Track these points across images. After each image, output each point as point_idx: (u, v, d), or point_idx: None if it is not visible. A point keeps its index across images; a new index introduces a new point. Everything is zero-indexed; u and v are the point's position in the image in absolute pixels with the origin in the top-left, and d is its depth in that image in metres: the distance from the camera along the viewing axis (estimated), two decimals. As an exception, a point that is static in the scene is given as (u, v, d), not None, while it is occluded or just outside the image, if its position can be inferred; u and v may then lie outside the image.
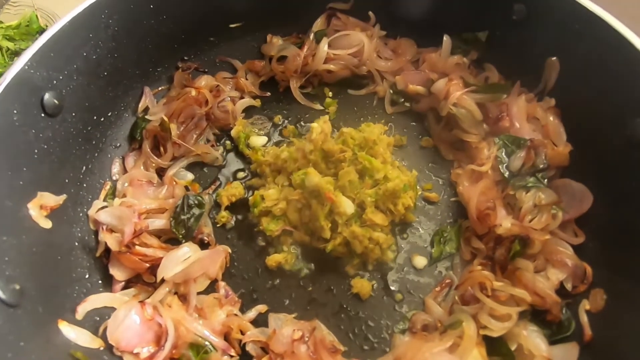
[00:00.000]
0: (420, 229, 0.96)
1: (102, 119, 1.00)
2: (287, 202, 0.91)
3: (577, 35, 0.86)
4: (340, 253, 0.89)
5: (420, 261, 0.91)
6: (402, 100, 1.16)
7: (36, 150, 0.80)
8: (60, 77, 0.85)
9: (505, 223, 0.80)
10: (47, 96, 0.81)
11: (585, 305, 0.74)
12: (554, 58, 0.94)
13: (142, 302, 0.81)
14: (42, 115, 0.81)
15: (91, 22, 0.89)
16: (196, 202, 0.96)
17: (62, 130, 0.86)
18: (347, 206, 0.87)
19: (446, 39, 1.12)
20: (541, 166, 0.89)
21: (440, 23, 1.13)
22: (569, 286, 0.78)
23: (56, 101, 0.83)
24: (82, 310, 0.75)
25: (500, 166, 0.93)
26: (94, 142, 0.98)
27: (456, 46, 1.13)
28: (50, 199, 0.81)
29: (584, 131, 0.88)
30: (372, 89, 1.21)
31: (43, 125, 0.82)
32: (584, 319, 0.73)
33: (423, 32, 1.18)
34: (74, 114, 0.89)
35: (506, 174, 0.92)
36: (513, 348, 0.73)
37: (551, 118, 0.94)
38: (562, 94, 0.95)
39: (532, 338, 0.72)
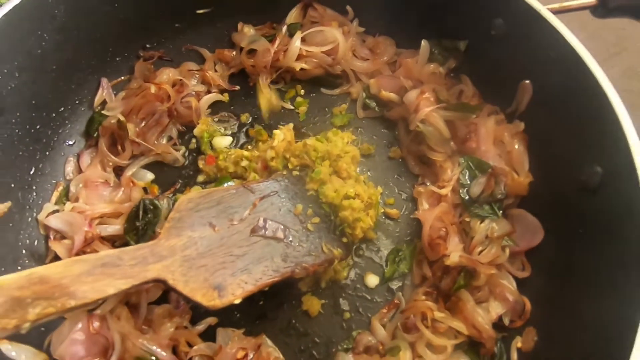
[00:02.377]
0: (377, 246, 0.97)
1: (53, 115, 0.95)
2: None
3: (551, 63, 0.82)
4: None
5: (373, 280, 0.93)
6: (374, 105, 1.13)
7: (-26, 159, 0.76)
8: (-1, 77, 0.79)
9: (453, 255, 0.81)
10: (-17, 100, 0.76)
11: (517, 342, 0.78)
12: (527, 81, 0.91)
13: (91, 312, 0.82)
14: (-21, 119, 0.77)
15: (33, 13, 0.82)
16: (151, 207, 0.95)
17: (4, 133, 0.82)
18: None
19: (424, 44, 1.07)
20: (499, 196, 0.88)
21: (421, 24, 1.07)
22: (506, 321, 0.81)
23: (-6, 103, 0.79)
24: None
25: (460, 190, 0.92)
26: (44, 141, 0.94)
27: (435, 52, 1.08)
28: (-7, 209, 0.79)
29: (545, 164, 0.87)
30: (346, 89, 1.17)
31: (-19, 130, 0.77)
32: (514, 356, 0.77)
33: (404, 31, 1.12)
34: (18, 115, 0.85)
35: (465, 198, 0.91)
36: (444, 379, 0.77)
37: (516, 145, 0.92)
38: (531, 119, 0.92)
39: (463, 371, 0.76)
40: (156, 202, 0.95)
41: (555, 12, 0.82)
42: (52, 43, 0.87)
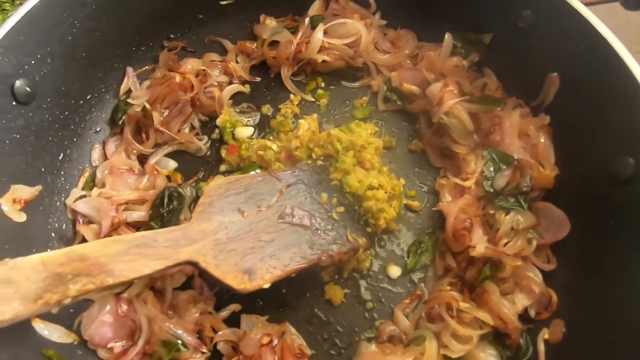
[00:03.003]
0: (399, 238, 0.97)
1: (81, 103, 0.97)
2: None
3: (582, 55, 0.82)
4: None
5: (395, 271, 0.93)
6: (396, 98, 1.12)
7: (8, 142, 0.78)
8: (32, 62, 0.80)
9: (479, 246, 0.81)
10: (18, 84, 0.78)
11: (544, 334, 0.77)
12: (555, 74, 0.90)
13: (118, 295, 0.83)
14: (14, 103, 0.78)
15: (65, 0, 0.83)
16: (176, 194, 0.95)
17: (36, 118, 0.83)
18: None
19: (447, 37, 1.06)
20: (524, 189, 0.88)
21: (444, 17, 1.07)
22: (532, 312, 0.80)
23: (28, 88, 0.80)
24: (57, 304, 0.77)
25: (484, 182, 0.92)
26: (72, 128, 0.95)
27: (457, 45, 1.07)
28: (25, 192, 0.80)
29: (573, 157, 0.87)
30: (366, 82, 1.17)
31: (15, 114, 0.79)
32: (541, 347, 0.76)
33: (426, 24, 1.12)
34: (49, 100, 0.86)
35: (490, 191, 0.91)
36: (470, 369, 0.77)
37: (542, 138, 0.91)
38: (558, 113, 0.92)
39: (489, 362, 0.76)
40: (180, 190, 0.96)
41: (586, 3, 0.81)
42: (82, 30, 0.89)
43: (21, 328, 0.69)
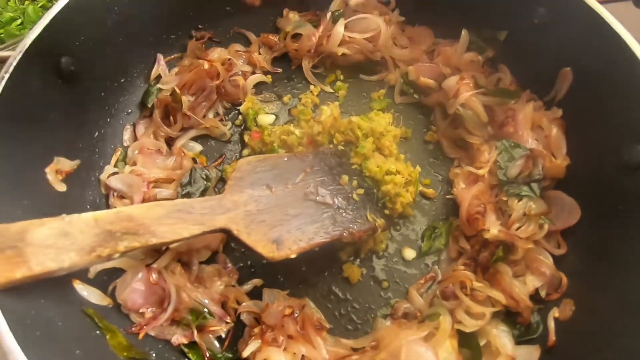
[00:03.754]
0: (414, 223, 1.01)
1: (116, 85, 1.02)
2: None
3: (595, 51, 0.86)
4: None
5: (410, 253, 0.97)
6: (412, 91, 1.17)
7: (53, 116, 0.83)
8: (77, 43, 0.86)
9: (492, 229, 0.84)
10: (63, 63, 0.83)
11: (555, 312, 0.81)
12: (568, 69, 0.94)
13: (148, 266, 0.87)
14: (59, 81, 0.83)
15: (108, -13, 0.89)
16: (203, 175, 1.00)
17: (77, 95, 0.89)
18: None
19: (464, 34, 1.11)
20: (537, 177, 0.92)
21: (461, 15, 1.11)
22: (543, 293, 0.84)
23: (72, 67, 0.85)
24: (93, 270, 0.82)
25: (498, 171, 0.96)
26: (106, 108, 1.00)
27: (473, 42, 1.12)
28: (66, 164, 0.85)
29: (584, 147, 0.90)
30: (384, 75, 1.21)
31: (60, 91, 0.84)
32: (551, 325, 0.80)
33: (443, 21, 1.16)
34: (88, 80, 0.91)
35: (503, 179, 0.95)
36: (482, 344, 0.80)
37: (554, 130, 0.95)
38: (570, 105, 0.96)
39: (501, 337, 0.79)
40: (207, 171, 1.01)
41: (600, 1, 0.85)
42: (121, 16, 0.94)
43: (66, 288, 0.74)
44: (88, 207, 0.91)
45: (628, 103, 0.79)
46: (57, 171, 0.82)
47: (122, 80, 1.04)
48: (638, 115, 0.76)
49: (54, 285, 0.65)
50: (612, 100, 0.83)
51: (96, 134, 0.97)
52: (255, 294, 0.90)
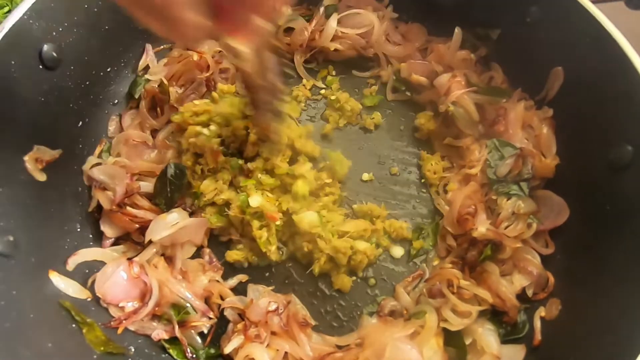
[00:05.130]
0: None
1: (101, 74, 1.00)
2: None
3: (586, 51, 0.85)
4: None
5: (398, 251, 0.96)
6: (404, 88, 1.16)
7: (34, 104, 0.80)
8: (60, 30, 0.83)
9: (481, 227, 0.84)
10: (45, 48, 0.80)
11: (541, 312, 0.80)
12: (559, 68, 0.94)
13: (130, 259, 0.85)
14: (41, 67, 0.81)
15: (93, -30, 0.86)
16: (178, 171, 0.97)
17: (60, 83, 0.86)
18: (308, 220, 0.82)
19: (457, 31, 1.10)
20: (526, 176, 0.91)
21: (454, 12, 1.10)
22: (529, 292, 0.84)
23: (55, 54, 0.83)
24: (72, 262, 0.80)
25: (488, 170, 0.95)
26: (91, 97, 0.98)
27: (467, 40, 1.11)
28: (46, 153, 0.83)
29: (573, 147, 0.90)
30: (376, 72, 1.20)
31: (41, 78, 0.81)
32: (537, 324, 0.79)
33: (436, 19, 1.15)
34: (72, 68, 0.89)
35: (493, 178, 0.94)
36: (468, 342, 0.79)
37: (545, 129, 0.95)
38: (561, 105, 0.95)
39: (486, 336, 0.78)
40: (182, 167, 0.95)
41: (593, 1, 0.85)
42: (107, 3, 0.92)
43: (41, 279, 0.71)
44: (69, 198, 0.89)
45: (617, 103, 0.79)
46: (37, 160, 0.80)
47: (109, 70, 1.01)
48: (625, 115, 0.76)
49: (29, 278, 0.63)
50: (601, 101, 0.83)
51: (80, 123, 0.95)
52: (240, 290, 0.89)
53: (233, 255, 0.89)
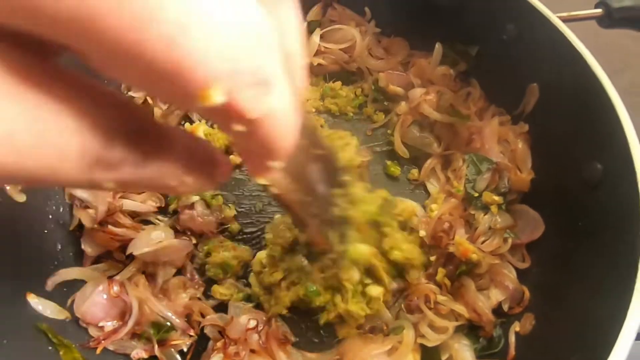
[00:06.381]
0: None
1: (84, 92, 1.00)
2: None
3: (558, 68, 0.88)
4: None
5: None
6: (382, 98, 1.18)
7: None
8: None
9: (457, 243, 0.85)
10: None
11: (516, 326, 0.81)
12: (535, 84, 0.96)
13: (110, 278, 0.86)
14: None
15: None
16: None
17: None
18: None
19: (438, 47, 1.12)
20: (502, 190, 0.93)
21: (435, 28, 1.12)
22: (505, 307, 0.85)
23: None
24: (51, 282, 0.80)
25: (467, 185, 0.97)
26: (73, 116, 0.98)
27: (447, 55, 1.13)
28: (26, 173, 0.83)
29: (548, 163, 0.92)
30: (359, 85, 1.22)
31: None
32: (512, 339, 0.81)
33: (418, 34, 1.17)
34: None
35: (471, 193, 0.96)
36: (444, 358, 0.80)
37: (520, 144, 0.97)
38: (536, 121, 0.97)
39: (463, 351, 0.79)
40: None
41: (564, 20, 0.87)
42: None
43: (18, 304, 0.72)
44: (50, 217, 0.89)
45: (586, 122, 0.81)
46: (16, 181, 0.80)
47: (91, 87, 1.02)
48: (594, 134, 0.78)
49: (4, 299, 0.63)
50: (573, 118, 0.85)
51: (61, 142, 0.95)
52: (221, 308, 0.89)
53: (220, 289, 0.89)
